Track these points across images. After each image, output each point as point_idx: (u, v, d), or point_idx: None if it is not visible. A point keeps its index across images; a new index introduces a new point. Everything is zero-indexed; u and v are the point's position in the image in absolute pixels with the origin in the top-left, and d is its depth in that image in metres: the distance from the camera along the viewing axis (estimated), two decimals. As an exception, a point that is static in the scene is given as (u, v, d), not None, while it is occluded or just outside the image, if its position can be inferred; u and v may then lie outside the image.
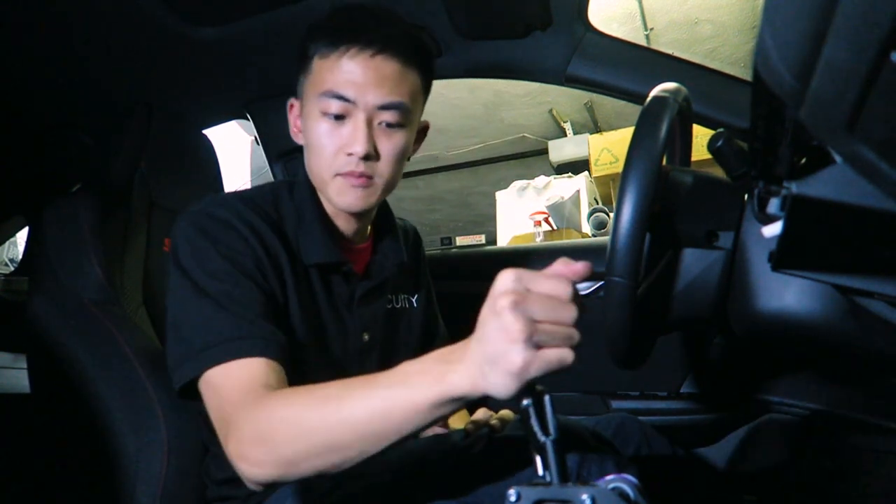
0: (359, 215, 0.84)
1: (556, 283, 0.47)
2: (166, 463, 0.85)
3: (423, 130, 0.88)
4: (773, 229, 0.58)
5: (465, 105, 4.98)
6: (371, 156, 0.76)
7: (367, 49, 0.73)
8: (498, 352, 0.44)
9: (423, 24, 1.12)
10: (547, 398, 0.46)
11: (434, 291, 1.07)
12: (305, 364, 0.76)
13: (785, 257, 0.54)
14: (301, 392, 0.60)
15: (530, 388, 0.46)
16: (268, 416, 0.59)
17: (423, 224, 7.14)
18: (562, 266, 0.48)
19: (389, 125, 0.77)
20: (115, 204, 1.04)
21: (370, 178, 0.77)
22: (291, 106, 0.84)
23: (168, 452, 0.86)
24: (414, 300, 0.98)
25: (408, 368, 0.53)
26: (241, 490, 0.81)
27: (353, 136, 0.75)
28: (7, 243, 2.99)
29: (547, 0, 1.06)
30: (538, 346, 0.44)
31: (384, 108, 0.75)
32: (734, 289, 0.70)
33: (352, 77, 0.73)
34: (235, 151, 5.41)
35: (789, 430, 1.18)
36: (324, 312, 0.82)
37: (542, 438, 0.44)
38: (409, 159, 0.85)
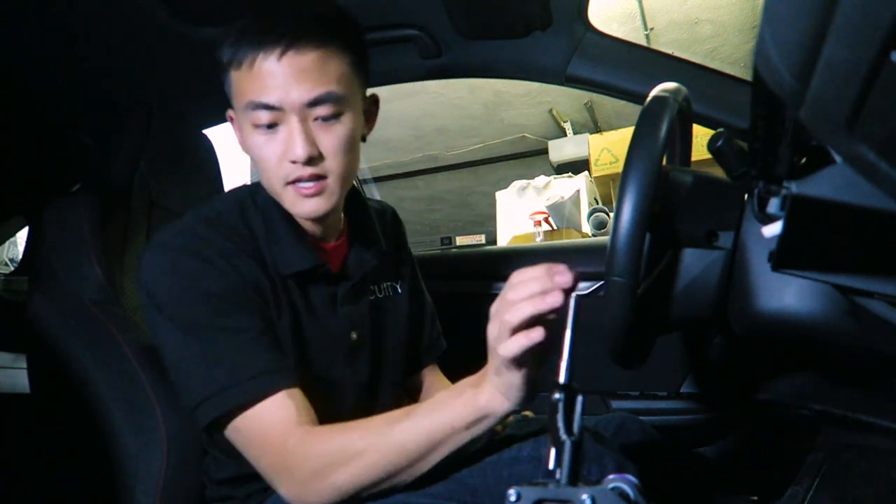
0: (326, 218, 0.80)
1: (518, 291, 0.56)
2: (166, 463, 0.85)
3: (373, 104, 0.83)
4: (773, 229, 0.58)
5: (465, 105, 4.98)
6: (315, 157, 0.71)
7: (274, 48, 0.67)
8: (493, 350, 0.58)
9: (421, 24, 1.12)
10: (579, 399, 0.46)
11: (419, 270, 1.04)
12: (303, 375, 0.76)
13: (785, 257, 0.54)
14: (349, 426, 0.67)
15: (565, 385, 0.46)
16: (320, 452, 0.65)
17: (423, 224, 7.15)
18: (550, 273, 0.56)
19: (325, 119, 0.71)
20: (115, 204, 1.05)
21: (322, 179, 0.73)
22: (231, 118, 0.79)
23: (167, 452, 0.86)
24: (398, 286, 0.95)
25: (443, 395, 0.65)
26: (240, 490, 0.81)
27: (290, 143, 0.70)
28: (7, 243, 2.99)
29: (547, 0, 1.06)
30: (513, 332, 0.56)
31: (313, 103, 0.69)
32: (734, 289, 0.70)
33: (269, 82, 0.68)
34: (235, 151, 5.41)
35: (790, 430, 1.18)
36: (307, 320, 0.79)
37: (563, 437, 0.44)
38: (364, 139, 0.81)
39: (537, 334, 0.55)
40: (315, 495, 0.66)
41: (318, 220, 0.79)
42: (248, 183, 0.85)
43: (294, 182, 0.72)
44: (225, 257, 0.72)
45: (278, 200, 0.77)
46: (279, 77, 0.68)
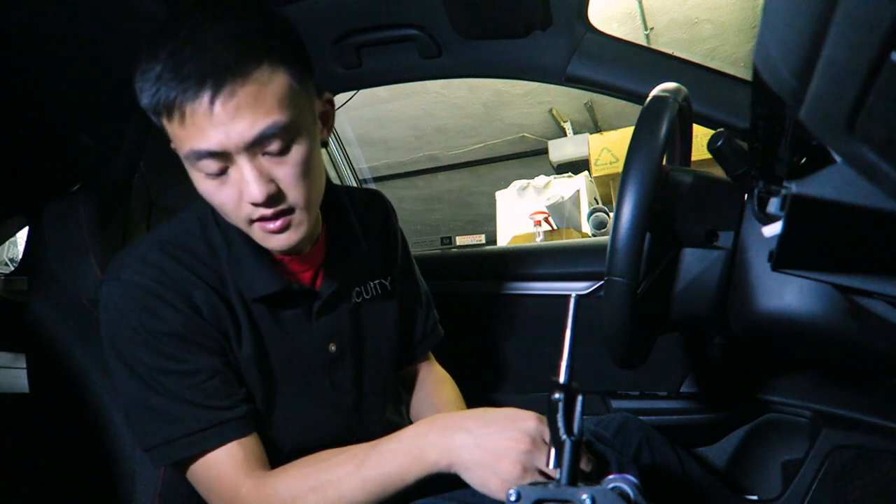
0: (297, 247, 0.73)
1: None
2: (166, 463, 0.85)
3: (328, 104, 0.75)
4: (773, 229, 0.58)
5: (465, 105, 4.98)
6: (273, 194, 0.64)
7: (200, 95, 0.58)
8: (491, 471, 0.60)
9: (422, 24, 1.11)
10: (580, 398, 0.46)
11: (413, 257, 1.01)
12: (273, 398, 0.76)
13: (785, 257, 0.54)
14: (297, 468, 0.69)
15: (565, 385, 0.46)
16: (270, 498, 0.66)
17: (423, 224, 7.15)
18: None
19: (276, 154, 0.63)
20: (115, 204, 1.04)
21: (287, 213, 0.67)
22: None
23: (168, 452, 0.86)
24: (388, 282, 0.90)
25: (391, 447, 0.66)
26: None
27: (243, 186, 0.63)
28: (7, 243, 2.99)
29: (547, 0, 1.06)
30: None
31: (257, 142, 0.61)
32: (734, 289, 0.70)
33: (205, 129, 0.59)
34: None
35: (789, 430, 1.18)
36: (273, 342, 0.75)
37: (563, 436, 0.44)
38: (325, 145, 0.75)
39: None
40: None
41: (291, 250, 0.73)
42: None
43: (259, 220, 0.67)
44: (179, 290, 0.69)
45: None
46: (214, 122, 0.59)
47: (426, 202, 6.84)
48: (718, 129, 0.76)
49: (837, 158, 0.37)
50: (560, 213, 4.44)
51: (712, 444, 1.24)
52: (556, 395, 0.46)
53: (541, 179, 4.88)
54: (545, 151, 5.51)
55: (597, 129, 5.39)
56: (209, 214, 0.75)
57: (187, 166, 0.65)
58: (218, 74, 0.58)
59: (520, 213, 4.77)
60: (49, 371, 0.93)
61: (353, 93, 1.41)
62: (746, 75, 0.70)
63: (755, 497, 1.18)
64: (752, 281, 0.65)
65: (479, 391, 1.35)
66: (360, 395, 0.85)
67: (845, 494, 1.08)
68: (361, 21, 1.15)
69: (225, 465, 0.68)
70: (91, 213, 0.98)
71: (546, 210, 4.48)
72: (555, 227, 4.41)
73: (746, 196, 0.71)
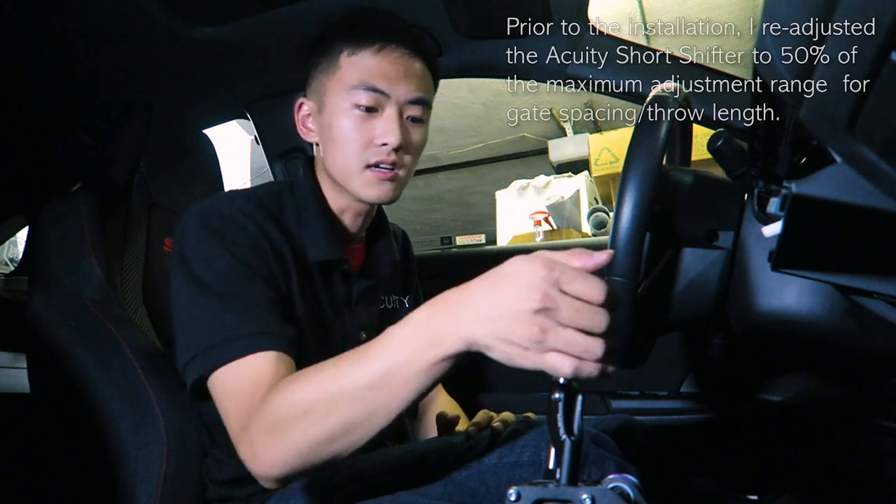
0: (365, 214, 0.87)
1: (591, 284, 0.46)
2: (166, 463, 0.85)
3: None
4: (773, 229, 0.58)
5: (465, 105, 4.98)
6: (402, 147, 0.79)
7: (399, 47, 0.78)
8: (508, 341, 0.46)
9: (423, 25, 1.12)
10: (579, 398, 0.46)
11: (422, 293, 1.06)
12: (308, 360, 0.76)
13: (785, 257, 0.54)
14: (300, 375, 0.59)
15: (565, 385, 0.46)
16: (274, 409, 0.58)
17: (424, 224, 7.14)
18: (586, 258, 0.48)
19: (415, 119, 0.81)
20: (115, 204, 1.04)
21: (398, 168, 0.80)
22: (300, 105, 0.85)
23: (168, 452, 0.86)
24: (406, 301, 0.99)
25: (400, 332, 0.53)
26: (241, 490, 0.81)
27: (386, 128, 0.77)
28: (7, 243, 2.99)
29: (547, 0, 1.06)
30: (553, 349, 0.45)
31: (413, 102, 0.79)
32: (734, 288, 0.70)
33: (385, 72, 0.77)
34: (235, 151, 5.41)
35: (790, 430, 1.18)
36: (325, 309, 0.83)
37: (563, 436, 0.44)
38: None
39: (588, 368, 0.45)
40: (268, 458, 0.58)
41: (361, 213, 0.86)
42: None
43: (374, 165, 0.78)
44: (258, 225, 0.75)
45: (344, 184, 0.81)
46: (394, 71, 0.77)
47: (426, 202, 6.83)
48: (718, 129, 0.76)
49: (837, 158, 0.37)
50: (560, 212, 4.44)
51: (712, 444, 1.24)
52: (556, 395, 0.46)
53: (541, 179, 4.88)
54: (545, 151, 5.51)
55: (597, 129, 5.39)
56: (285, 188, 0.85)
57: (335, 102, 0.79)
58: (414, 45, 0.79)
59: (520, 213, 4.76)
60: (49, 371, 0.93)
61: (353, 93, 1.41)
62: (746, 75, 0.70)
63: (755, 497, 1.18)
64: (752, 281, 0.65)
65: (478, 391, 1.35)
66: None
67: (845, 494, 1.08)
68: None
69: (254, 371, 0.63)
70: (91, 213, 0.98)
71: (546, 210, 4.48)
72: (555, 227, 4.41)
73: (746, 196, 0.70)
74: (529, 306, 0.45)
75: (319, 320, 0.81)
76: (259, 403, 0.60)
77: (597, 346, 0.45)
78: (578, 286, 0.46)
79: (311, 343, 0.78)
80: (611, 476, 0.45)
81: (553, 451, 0.45)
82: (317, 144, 0.86)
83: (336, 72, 0.79)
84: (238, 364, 0.65)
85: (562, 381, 0.46)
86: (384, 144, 0.78)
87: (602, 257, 0.48)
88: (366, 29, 0.79)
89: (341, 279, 0.85)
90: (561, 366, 0.45)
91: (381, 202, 0.83)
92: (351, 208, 0.86)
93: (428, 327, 0.52)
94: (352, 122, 0.78)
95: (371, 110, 0.78)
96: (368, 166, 0.79)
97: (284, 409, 0.57)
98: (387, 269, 0.92)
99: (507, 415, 0.89)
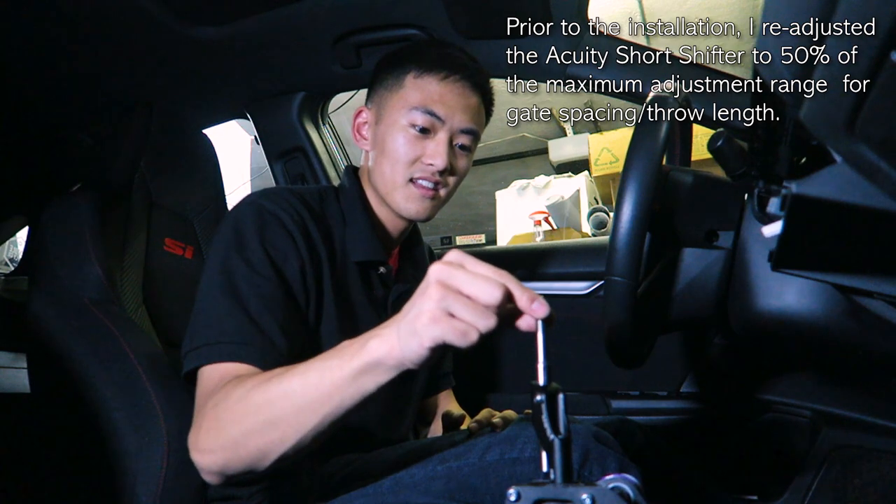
0: (407, 223, 0.91)
1: (491, 269, 0.50)
2: (166, 462, 0.85)
3: None
4: (773, 229, 0.58)
5: (465, 105, 4.97)
6: (447, 170, 0.84)
7: (463, 80, 0.84)
8: (411, 313, 0.50)
9: (423, 25, 1.12)
10: (561, 397, 0.46)
11: None
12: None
13: (785, 257, 0.54)
14: (254, 376, 0.62)
15: (545, 386, 0.46)
16: (221, 404, 0.62)
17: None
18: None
19: (463, 147, 0.86)
20: (115, 204, 1.04)
21: (440, 188, 0.85)
22: (359, 112, 0.91)
23: (168, 451, 0.86)
24: None
25: (343, 343, 0.57)
26: (243, 490, 0.81)
27: (436, 150, 0.82)
28: (7, 243, 2.99)
29: (547, 0, 1.06)
30: (450, 314, 0.48)
31: (464, 131, 0.85)
32: (734, 288, 0.70)
33: (445, 99, 0.83)
34: (235, 151, 5.41)
35: (789, 430, 1.18)
36: (359, 308, 0.85)
37: (550, 436, 0.44)
38: None
39: (474, 334, 0.48)
40: (206, 449, 0.62)
41: (405, 222, 0.90)
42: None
43: (418, 179, 0.83)
44: (300, 222, 0.78)
45: (387, 195, 0.85)
46: (453, 99, 0.83)
47: (426, 202, 6.83)
48: (718, 129, 0.76)
49: (837, 158, 0.37)
50: (560, 212, 4.44)
51: (712, 444, 1.24)
52: (538, 398, 0.45)
53: (541, 179, 4.88)
54: (545, 151, 5.51)
55: (597, 129, 5.39)
56: (330, 191, 0.90)
57: (392, 117, 0.84)
58: (476, 82, 0.86)
59: (520, 213, 4.77)
60: (49, 371, 0.93)
61: (353, 93, 1.41)
62: (746, 75, 0.70)
63: (755, 497, 1.18)
64: (752, 281, 0.65)
65: (478, 391, 1.35)
66: (407, 396, 0.92)
67: (845, 494, 1.08)
68: (361, 21, 1.15)
69: (224, 379, 0.65)
70: (91, 213, 0.98)
71: (546, 210, 4.48)
72: (555, 227, 4.41)
73: (746, 196, 0.70)
74: (429, 302, 0.49)
75: (350, 318, 0.83)
76: (211, 401, 0.64)
77: (490, 319, 0.48)
78: (479, 267, 0.50)
79: (338, 338, 0.77)
80: (611, 476, 0.45)
81: (544, 454, 0.44)
82: (366, 152, 0.90)
83: (400, 90, 0.84)
84: (217, 367, 0.67)
85: (541, 383, 0.46)
86: (430, 164, 0.82)
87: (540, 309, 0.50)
88: (436, 56, 0.84)
89: (379, 282, 0.89)
90: (463, 330, 0.48)
91: (418, 218, 0.87)
92: (389, 221, 0.90)
93: (359, 342, 0.56)
94: (405, 139, 0.83)
95: (425, 131, 0.83)
96: (412, 180, 0.83)
97: (229, 401, 0.61)
98: (420, 276, 0.92)
99: (508, 413, 0.89)
